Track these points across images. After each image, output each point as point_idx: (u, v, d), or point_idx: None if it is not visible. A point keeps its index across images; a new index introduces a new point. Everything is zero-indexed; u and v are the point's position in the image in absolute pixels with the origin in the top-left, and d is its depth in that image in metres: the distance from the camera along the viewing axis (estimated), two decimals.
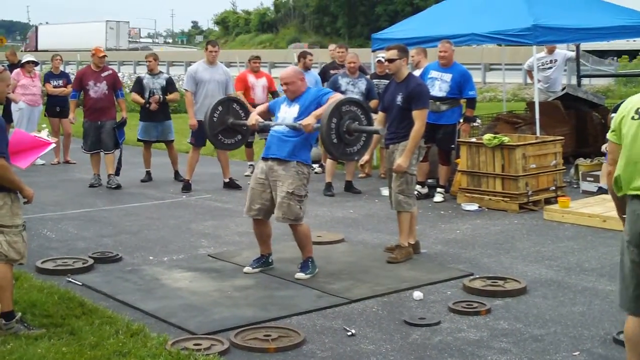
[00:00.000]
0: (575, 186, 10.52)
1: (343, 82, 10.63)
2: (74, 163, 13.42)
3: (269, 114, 7.09)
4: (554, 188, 9.60)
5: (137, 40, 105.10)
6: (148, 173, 11.72)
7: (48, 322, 5.44)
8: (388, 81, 8.25)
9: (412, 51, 10.61)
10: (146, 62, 11.90)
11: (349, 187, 10.69)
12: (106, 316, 5.58)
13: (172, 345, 5.00)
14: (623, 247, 4.15)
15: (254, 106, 9.14)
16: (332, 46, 13.41)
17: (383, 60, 10.09)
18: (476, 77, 17.98)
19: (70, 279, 6.59)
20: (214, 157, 12.04)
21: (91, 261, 7.09)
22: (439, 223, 8.77)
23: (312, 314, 5.74)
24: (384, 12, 55.39)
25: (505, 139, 9.47)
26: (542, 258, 7.26)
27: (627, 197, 4.12)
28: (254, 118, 6.97)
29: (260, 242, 6.92)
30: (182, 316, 5.67)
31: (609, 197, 8.96)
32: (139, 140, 11.85)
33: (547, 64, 13.04)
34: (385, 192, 9.05)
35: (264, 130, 7.61)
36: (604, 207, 8.64)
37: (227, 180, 11.07)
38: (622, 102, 12.09)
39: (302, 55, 11.78)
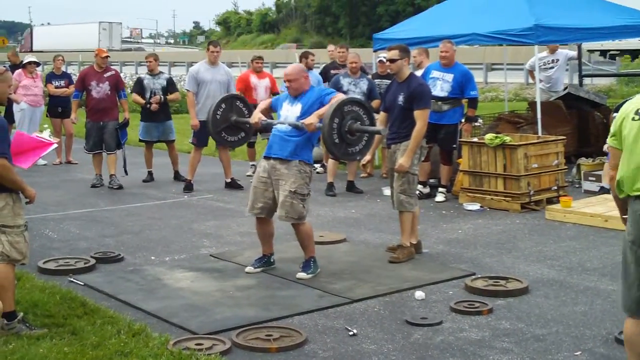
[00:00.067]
0: (577, 186, 10.51)
1: (345, 82, 10.63)
2: (76, 163, 13.43)
3: (271, 110, 7.09)
4: (555, 188, 9.59)
5: (139, 41, 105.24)
6: (150, 173, 11.73)
7: (50, 322, 5.44)
8: (389, 81, 8.26)
9: (414, 51, 10.61)
10: (146, 62, 11.91)
11: (351, 187, 10.69)
12: (108, 316, 5.58)
13: (173, 345, 5.00)
14: (625, 248, 4.14)
15: (256, 107, 9.13)
16: (330, 47, 13.40)
17: (384, 60, 10.09)
18: (478, 77, 17.95)
19: (72, 279, 6.59)
20: (215, 157, 12.05)
21: (93, 261, 7.09)
22: (440, 223, 8.76)
23: (314, 314, 5.74)
24: (386, 12, 55.41)
25: (507, 138, 9.46)
26: (544, 258, 7.26)
27: (629, 198, 4.12)
28: (257, 116, 6.98)
29: (262, 241, 6.93)
30: (184, 316, 5.68)
31: (610, 196, 8.96)
32: (140, 140, 11.86)
33: (548, 63, 13.03)
34: (387, 191, 9.05)
35: (266, 128, 7.60)
36: (605, 207, 8.63)
37: (228, 180, 11.08)
38: (624, 102, 12.10)
39: (304, 56, 11.79)
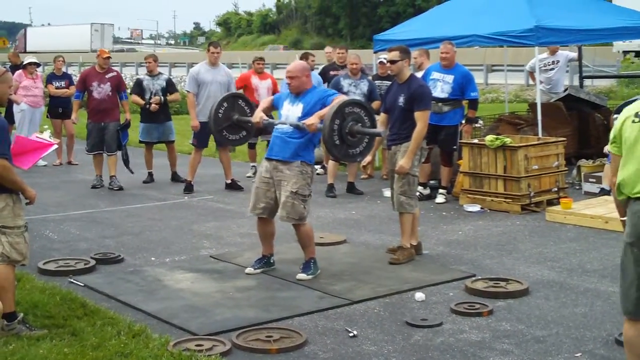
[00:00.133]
0: (577, 187, 10.51)
1: (345, 83, 10.63)
2: (76, 164, 13.43)
3: (273, 109, 7.09)
4: (556, 189, 9.59)
5: (139, 42, 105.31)
6: (150, 174, 11.73)
7: (50, 323, 5.44)
8: (390, 82, 8.26)
9: (415, 53, 10.62)
10: (146, 63, 11.91)
11: (351, 189, 10.69)
12: (108, 317, 5.58)
13: (174, 346, 5.00)
14: (625, 250, 4.14)
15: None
16: (328, 48, 13.39)
17: (385, 61, 10.08)
18: (478, 78, 17.94)
19: (72, 280, 6.59)
20: (215, 158, 12.05)
21: (93, 262, 7.09)
22: (441, 224, 8.76)
23: (314, 315, 5.73)
24: (386, 14, 55.49)
25: (508, 140, 9.46)
26: (544, 259, 7.26)
27: (629, 200, 4.11)
28: (259, 115, 6.98)
29: (263, 241, 6.93)
30: (184, 317, 5.68)
31: (611, 198, 8.95)
32: (140, 141, 11.86)
33: (549, 65, 13.04)
34: (387, 193, 9.04)
35: (268, 128, 7.58)
36: (606, 208, 8.63)
37: (229, 181, 11.08)
38: (624, 103, 12.12)
39: (305, 57, 11.78)
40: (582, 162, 10.83)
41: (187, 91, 10.99)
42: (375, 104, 10.05)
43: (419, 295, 6.11)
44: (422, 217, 8.06)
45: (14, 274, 5.35)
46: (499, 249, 7.64)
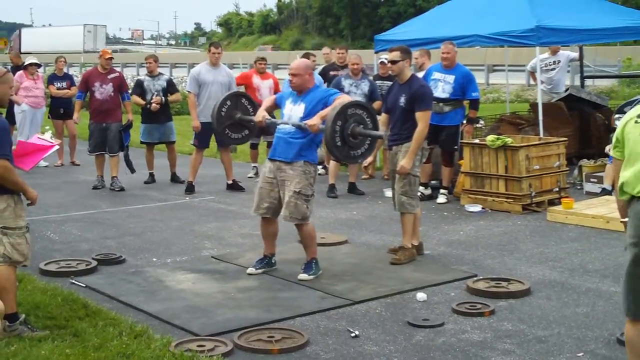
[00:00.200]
0: (578, 187, 10.52)
1: (346, 83, 10.64)
2: (79, 165, 13.43)
3: (276, 107, 7.08)
4: (557, 189, 9.59)
5: (140, 42, 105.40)
6: (151, 175, 11.73)
7: (52, 324, 5.44)
8: (391, 83, 8.25)
9: (416, 53, 10.62)
10: (146, 64, 11.91)
11: (352, 189, 10.69)
12: (110, 318, 5.58)
13: (175, 347, 5.00)
14: (628, 250, 4.13)
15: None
16: (325, 49, 13.38)
17: (386, 61, 10.08)
18: (479, 78, 17.94)
19: (73, 281, 6.59)
20: (217, 159, 12.05)
21: (94, 263, 7.09)
22: (442, 224, 8.76)
23: (316, 316, 5.74)
24: (387, 14, 55.45)
25: (509, 140, 9.46)
26: (545, 259, 7.26)
27: (632, 200, 4.10)
28: (261, 114, 6.98)
29: (265, 241, 6.93)
30: (186, 318, 5.68)
31: (612, 198, 8.99)
32: (141, 142, 11.86)
33: (550, 65, 13.03)
34: (388, 193, 9.05)
35: (269, 129, 7.58)
36: (607, 208, 8.63)
37: (230, 182, 11.08)
38: (625, 103, 12.08)
39: (306, 57, 11.77)
40: (584, 162, 10.84)
41: (188, 92, 10.99)
42: (376, 104, 10.05)
43: (421, 296, 6.11)
44: (423, 217, 8.07)
45: (16, 275, 5.35)
46: (501, 249, 7.64)
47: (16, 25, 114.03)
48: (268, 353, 5.02)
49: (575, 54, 13.69)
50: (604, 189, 9.78)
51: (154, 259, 7.43)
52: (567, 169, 9.99)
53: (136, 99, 11.54)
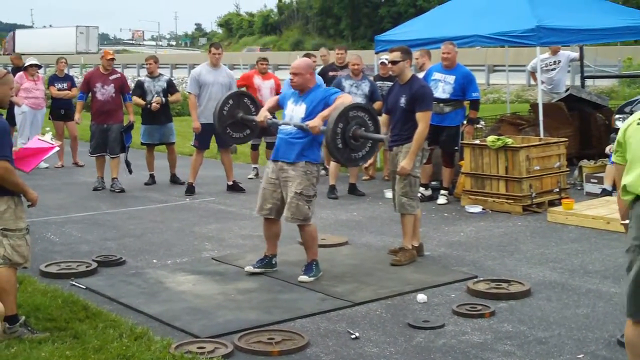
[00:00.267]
0: (579, 188, 10.51)
1: (346, 84, 10.63)
2: (82, 165, 13.42)
3: (279, 108, 7.08)
4: (557, 190, 9.59)
5: (141, 43, 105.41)
6: (151, 176, 11.73)
7: (52, 326, 5.44)
8: (391, 83, 8.25)
9: (416, 53, 10.62)
10: (146, 64, 11.91)
11: (353, 190, 10.69)
12: (110, 319, 5.58)
13: (175, 349, 5.00)
14: (632, 252, 4.11)
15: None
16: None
17: (386, 62, 10.08)
18: (480, 78, 17.94)
19: (74, 283, 6.59)
20: (217, 160, 12.05)
21: (95, 264, 7.09)
22: (442, 225, 8.76)
23: (316, 317, 5.73)
24: (387, 14, 55.47)
25: (509, 140, 9.46)
26: (546, 260, 7.25)
27: (635, 201, 4.09)
28: (263, 114, 6.98)
29: (267, 241, 6.92)
30: (186, 319, 5.67)
31: (612, 198, 8.99)
32: (142, 143, 11.86)
33: (550, 65, 13.03)
34: (388, 194, 9.04)
35: (271, 129, 7.57)
36: (607, 209, 8.62)
37: (230, 183, 11.07)
38: (626, 103, 12.06)
39: (306, 57, 11.77)
40: (584, 162, 10.83)
41: (189, 93, 11.00)
42: (377, 105, 10.04)
43: (421, 297, 6.11)
44: (423, 218, 8.06)
45: (16, 277, 5.35)
46: (501, 250, 7.64)
47: (17, 26, 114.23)
48: (268, 355, 5.02)
49: (576, 54, 13.69)
50: (604, 190, 9.78)
51: (154, 261, 7.43)
52: (568, 169, 9.98)
53: (137, 99, 11.54)
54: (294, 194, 6.54)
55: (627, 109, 11.36)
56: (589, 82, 19.86)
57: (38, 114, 13.48)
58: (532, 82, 20.53)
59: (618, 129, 11.27)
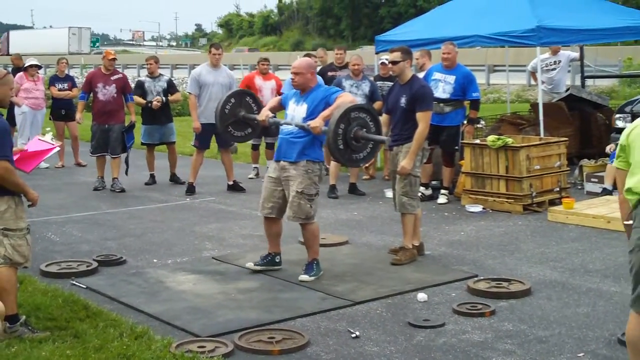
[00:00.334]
0: (579, 187, 10.51)
1: (347, 84, 10.63)
2: (85, 165, 13.42)
3: (281, 108, 7.08)
4: (558, 189, 9.59)
5: (141, 44, 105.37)
6: (152, 176, 11.73)
7: (52, 325, 5.44)
8: (392, 83, 8.25)
9: (417, 54, 10.62)
10: (147, 65, 11.92)
11: (353, 189, 10.69)
12: (110, 319, 5.58)
13: (176, 348, 5.00)
14: (636, 252, 4.09)
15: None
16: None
17: (387, 62, 10.08)
18: (480, 78, 17.94)
19: (74, 282, 6.59)
20: (217, 160, 12.05)
21: (95, 264, 7.09)
22: (443, 225, 8.76)
23: (316, 316, 5.73)
24: (388, 14, 55.48)
25: (509, 140, 9.46)
26: (546, 259, 7.25)
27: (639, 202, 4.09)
28: (265, 113, 6.98)
29: (269, 240, 6.92)
30: (186, 319, 5.68)
31: (613, 198, 9.00)
32: (142, 143, 11.87)
33: (551, 65, 13.03)
34: (389, 193, 9.05)
35: (272, 129, 7.56)
36: (608, 208, 8.63)
37: (231, 182, 11.08)
38: (626, 103, 12.04)
39: (307, 57, 11.77)
40: (584, 162, 10.83)
41: (189, 93, 11.00)
42: (377, 105, 10.05)
43: (421, 296, 6.11)
44: (424, 218, 8.07)
45: (16, 276, 5.35)
46: (501, 249, 7.64)
47: (17, 27, 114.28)
48: (269, 354, 5.02)
49: (576, 54, 13.69)
50: (604, 189, 9.78)
51: (155, 260, 7.43)
52: (568, 169, 9.98)
53: (137, 99, 11.54)
54: (295, 193, 6.55)
55: (627, 109, 11.37)
56: (589, 82, 19.86)
57: (38, 114, 13.48)
58: (533, 82, 20.52)
59: (618, 128, 11.35)
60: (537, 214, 9.18)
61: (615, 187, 9.21)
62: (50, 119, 13.72)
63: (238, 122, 7.58)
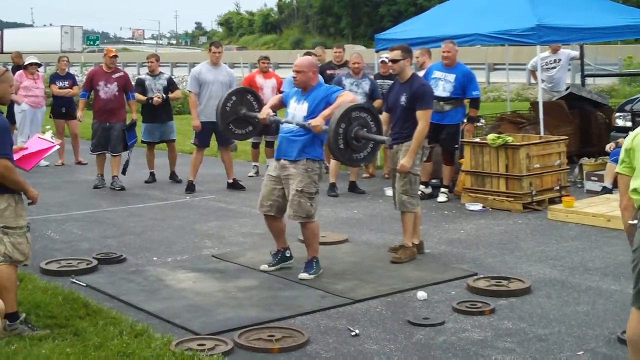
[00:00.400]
0: (579, 186, 10.51)
1: (347, 82, 10.63)
2: (86, 164, 13.40)
3: (282, 106, 7.08)
4: (558, 188, 9.59)
5: (141, 42, 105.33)
6: (152, 174, 11.73)
7: (52, 323, 5.44)
8: (392, 81, 8.24)
9: (417, 52, 10.62)
10: (147, 63, 11.92)
11: (353, 188, 10.69)
12: (110, 317, 5.58)
13: (176, 346, 5.00)
14: None
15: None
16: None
17: (387, 60, 10.08)
18: (480, 77, 17.95)
19: (74, 280, 6.59)
20: (217, 158, 12.05)
21: (95, 262, 7.09)
22: (442, 223, 8.76)
23: (316, 314, 5.73)
24: (388, 13, 55.46)
25: (509, 138, 9.46)
26: (546, 258, 7.25)
27: None
28: (266, 112, 6.99)
29: (274, 237, 6.93)
30: (186, 317, 5.68)
31: (613, 196, 9.00)
32: (142, 142, 11.87)
33: (551, 63, 13.03)
34: (389, 192, 9.05)
35: (272, 127, 7.55)
36: (608, 207, 8.63)
37: (230, 181, 11.08)
38: (626, 101, 12.02)
39: (308, 55, 11.77)
40: (584, 160, 10.83)
41: (189, 91, 11.00)
42: (377, 103, 10.05)
43: (421, 294, 6.11)
44: (424, 216, 8.06)
45: (17, 274, 5.35)
46: (501, 248, 7.64)
47: (17, 25, 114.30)
48: (268, 352, 5.02)
49: (576, 53, 13.69)
50: (604, 188, 9.78)
51: (155, 258, 7.43)
52: (568, 167, 9.98)
53: (138, 96, 11.53)
54: (295, 192, 6.55)
55: (627, 107, 11.37)
56: (589, 80, 19.82)
57: (38, 112, 13.47)
58: (533, 81, 20.50)
59: (618, 126, 11.32)
60: (537, 212, 9.18)
61: (614, 185, 9.23)
62: (50, 117, 13.71)
63: (239, 119, 7.58)
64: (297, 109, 6.72)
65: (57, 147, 5.90)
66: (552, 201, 9.40)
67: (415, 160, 7.18)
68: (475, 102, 10.26)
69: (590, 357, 4.91)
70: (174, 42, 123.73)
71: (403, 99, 7.27)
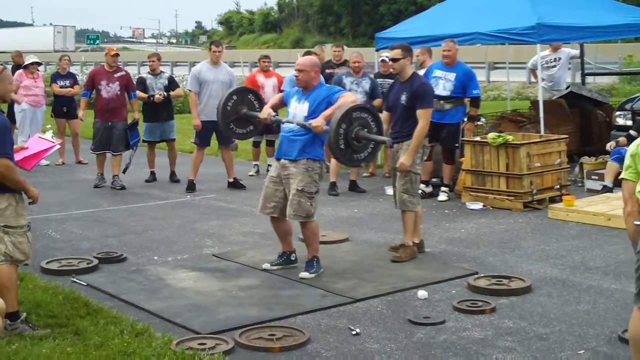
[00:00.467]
0: (579, 184, 10.50)
1: (347, 81, 10.62)
2: (86, 163, 13.40)
3: (283, 105, 7.07)
4: (558, 186, 9.59)
5: (141, 41, 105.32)
6: (152, 173, 11.73)
7: (53, 323, 5.45)
8: (392, 80, 8.24)
9: (417, 51, 10.61)
10: (149, 62, 11.92)
11: (353, 187, 10.69)
12: (111, 316, 5.58)
13: (176, 345, 5.00)
14: None
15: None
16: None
17: (387, 59, 10.08)
18: (480, 75, 17.93)
19: (75, 279, 6.59)
20: (218, 157, 12.05)
21: (96, 261, 7.10)
22: (443, 222, 8.76)
23: (317, 314, 5.74)
24: (388, 11, 55.37)
25: (510, 137, 9.46)
26: (546, 257, 7.25)
27: None
28: (267, 111, 6.98)
29: (280, 239, 6.93)
30: (187, 316, 5.68)
31: (613, 195, 8.99)
32: (143, 141, 11.86)
33: (551, 62, 13.02)
34: (389, 191, 9.04)
35: (273, 127, 7.54)
36: (608, 206, 8.63)
37: (231, 180, 11.07)
38: (626, 100, 12.01)
39: (308, 54, 11.76)
40: (585, 159, 10.82)
41: (189, 90, 10.99)
42: (377, 102, 10.05)
43: (422, 293, 6.11)
44: (424, 215, 8.06)
45: (17, 274, 5.36)
46: (502, 247, 7.64)
47: (17, 25, 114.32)
48: (269, 351, 5.02)
49: (576, 52, 13.68)
50: (605, 186, 9.77)
51: (155, 258, 7.43)
52: (568, 166, 9.98)
53: (139, 93, 11.53)
54: (295, 191, 6.55)
55: (627, 106, 11.36)
56: (589, 79, 19.79)
57: (38, 112, 13.46)
58: (533, 80, 20.49)
59: (618, 125, 11.30)
60: (538, 211, 9.18)
61: (615, 184, 9.23)
62: (51, 116, 13.71)
63: (240, 119, 7.58)
64: (298, 109, 6.71)
65: (58, 146, 5.89)
66: (553, 200, 9.39)
67: (415, 159, 7.18)
68: (475, 101, 10.26)
69: (591, 356, 4.91)
70: (174, 41, 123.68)
71: (403, 97, 7.27)
